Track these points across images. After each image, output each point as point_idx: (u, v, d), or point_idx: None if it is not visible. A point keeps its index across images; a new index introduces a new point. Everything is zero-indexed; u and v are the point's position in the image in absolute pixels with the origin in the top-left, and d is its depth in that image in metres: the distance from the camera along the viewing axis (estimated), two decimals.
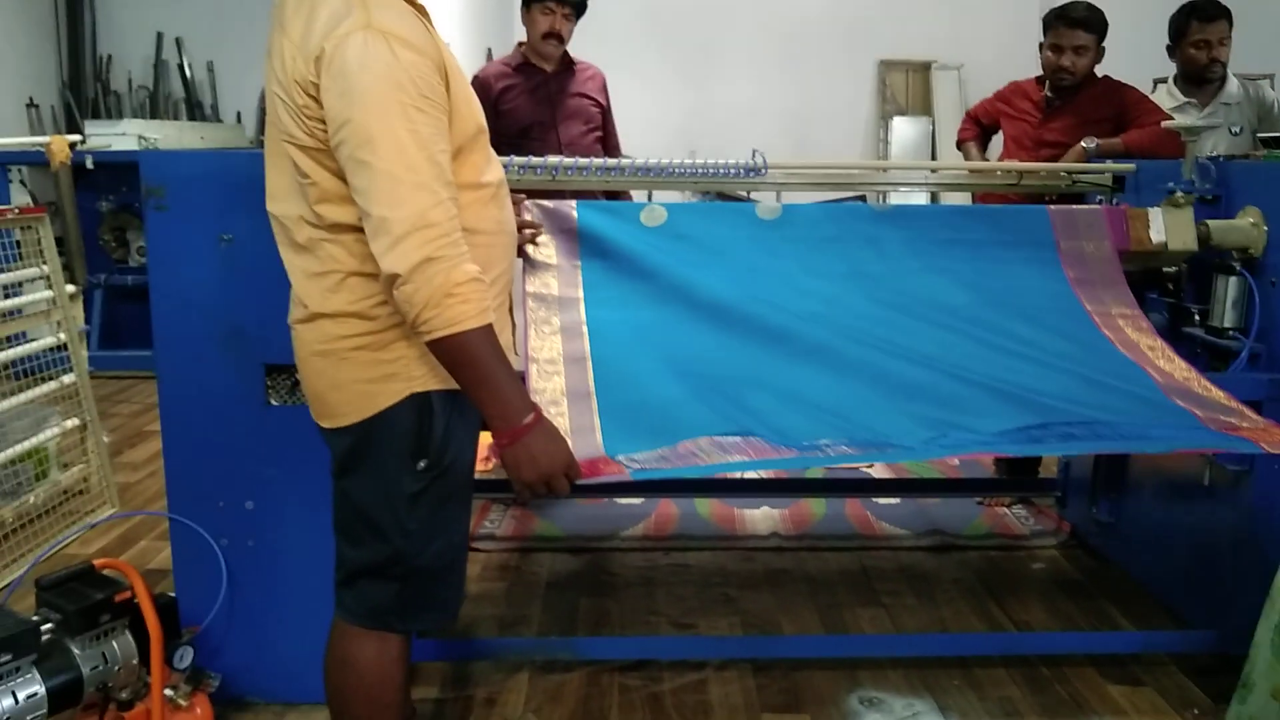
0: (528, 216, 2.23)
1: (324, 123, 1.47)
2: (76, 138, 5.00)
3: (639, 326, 2.14)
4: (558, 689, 2.39)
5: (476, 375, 1.48)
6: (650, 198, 4.44)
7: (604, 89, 3.68)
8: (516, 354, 1.97)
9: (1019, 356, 2.16)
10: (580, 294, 2.19)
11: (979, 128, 3.64)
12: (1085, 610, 2.80)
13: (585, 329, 2.12)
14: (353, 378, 1.58)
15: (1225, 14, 3.46)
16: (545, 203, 2.26)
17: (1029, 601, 2.85)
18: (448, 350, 1.46)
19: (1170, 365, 2.20)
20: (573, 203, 2.26)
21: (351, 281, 1.55)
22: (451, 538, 1.69)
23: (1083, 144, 3.08)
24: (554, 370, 2.05)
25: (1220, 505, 2.45)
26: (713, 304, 2.18)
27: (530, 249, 2.23)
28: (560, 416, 1.95)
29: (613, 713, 2.30)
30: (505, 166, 2.49)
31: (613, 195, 3.07)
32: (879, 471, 3.74)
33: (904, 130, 7.57)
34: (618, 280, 2.21)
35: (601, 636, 2.65)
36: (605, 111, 3.68)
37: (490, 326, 1.47)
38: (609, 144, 3.69)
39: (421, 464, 1.60)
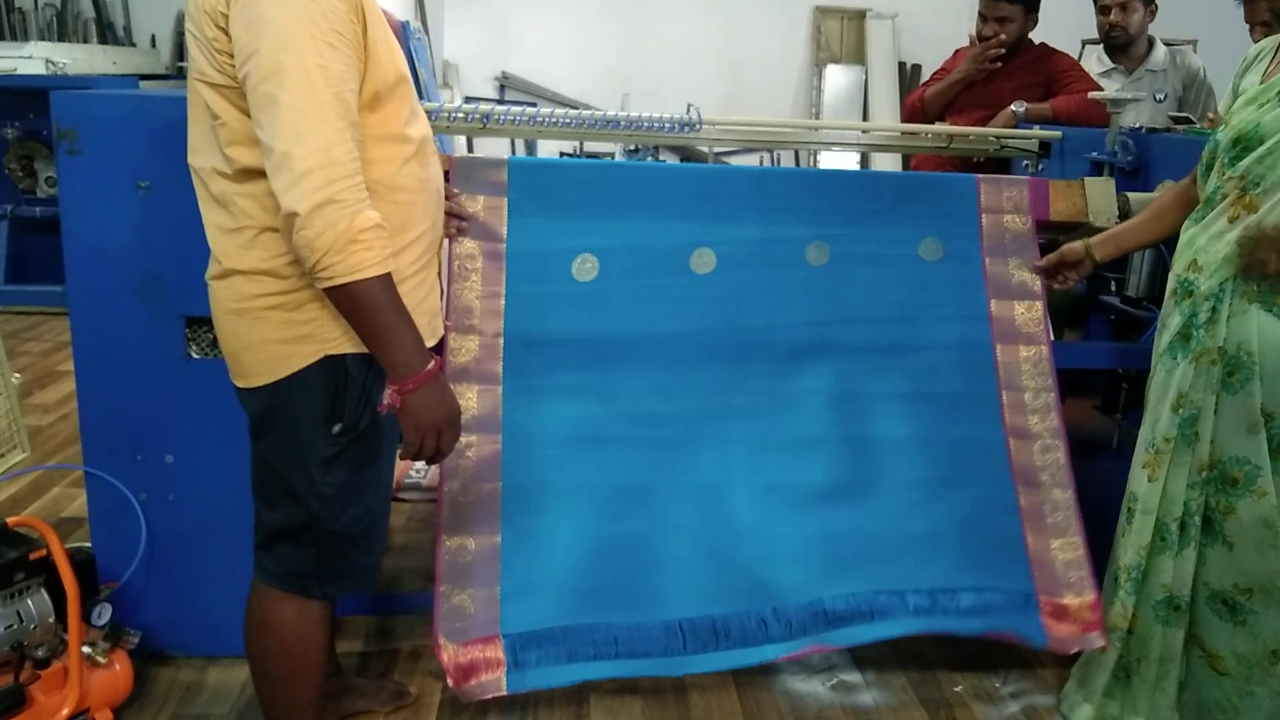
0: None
1: (233, 56, 1.42)
2: None
3: (557, 444, 2.09)
4: None
5: (379, 322, 1.46)
6: (581, 148, 4.33)
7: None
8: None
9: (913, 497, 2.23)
10: (499, 368, 2.09)
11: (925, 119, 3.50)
12: None
13: (500, 435, 2.06)
14: (266, 338, 1.55)
15: None
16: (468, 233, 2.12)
17: None
18: (350, 297, 1.44)
19: (1058, 495, 2.30)
20: (502, 239, 2.12)
21: (265, 238, 1.51)
22: (368, 504, 1.67)
23: (1012, 108, 3.12)
24: (472, 496, 2.02)
25: (1123, 468, 2.54)
26: (638, 414, 2.15)
27: (463, 306, 2.09)
28: (472, 563, 1.99)
29: None
30: (434, 115, 2.46)
31: None
32: None
33: (837, 78, 7.56)
34: (541, 365, 2.11)
35: None
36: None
37: (390, 275, 1.46)
38: None
39: (336, 428, 1.58)
